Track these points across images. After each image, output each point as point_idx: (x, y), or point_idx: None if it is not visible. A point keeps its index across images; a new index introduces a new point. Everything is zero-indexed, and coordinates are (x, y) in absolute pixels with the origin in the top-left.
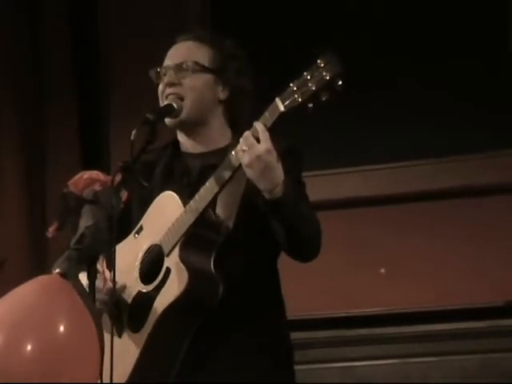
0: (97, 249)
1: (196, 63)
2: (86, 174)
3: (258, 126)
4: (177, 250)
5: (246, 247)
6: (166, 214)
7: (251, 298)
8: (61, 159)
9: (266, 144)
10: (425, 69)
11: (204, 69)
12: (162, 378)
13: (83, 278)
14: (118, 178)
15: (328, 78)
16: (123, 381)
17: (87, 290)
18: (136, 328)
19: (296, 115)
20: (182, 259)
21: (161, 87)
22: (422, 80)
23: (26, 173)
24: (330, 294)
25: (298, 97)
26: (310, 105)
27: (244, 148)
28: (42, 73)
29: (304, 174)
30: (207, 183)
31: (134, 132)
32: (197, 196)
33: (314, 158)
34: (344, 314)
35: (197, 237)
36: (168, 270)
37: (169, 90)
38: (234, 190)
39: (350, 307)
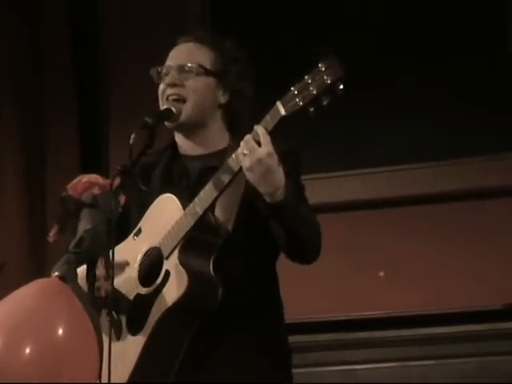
0: (95, 252)
1: (199, 65)
2: (85, 178)
3: (259, 129)
4: (176, 252)
5: (246, 250)
6: (166, 216)
7: (250, 300)
8: (60, 160)
9: (267, 148)
10: (425, 69)
11: (206, 72)
12: (162, 379)
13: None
14: (117, 181)
15: (329, 82)
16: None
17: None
18: (135, 330)
19: (295, 118)
20: (182, 262)
21: (162, 87)
22: (422, 80)
23: (25, 174)
24: (330, 298)
25: (299, 101)
26: (311, 109)
27: (245, 151)
28: (42, 73)
29: (303, 177)
30: (207, 186)
31: (132, 136)
32: (197, 199)
33: (314, 160)
34: (344, 318)
35: (196, 240)
36: (167, 273)
37: (170, 91)
38: (233, 193)
39: (349, 310)
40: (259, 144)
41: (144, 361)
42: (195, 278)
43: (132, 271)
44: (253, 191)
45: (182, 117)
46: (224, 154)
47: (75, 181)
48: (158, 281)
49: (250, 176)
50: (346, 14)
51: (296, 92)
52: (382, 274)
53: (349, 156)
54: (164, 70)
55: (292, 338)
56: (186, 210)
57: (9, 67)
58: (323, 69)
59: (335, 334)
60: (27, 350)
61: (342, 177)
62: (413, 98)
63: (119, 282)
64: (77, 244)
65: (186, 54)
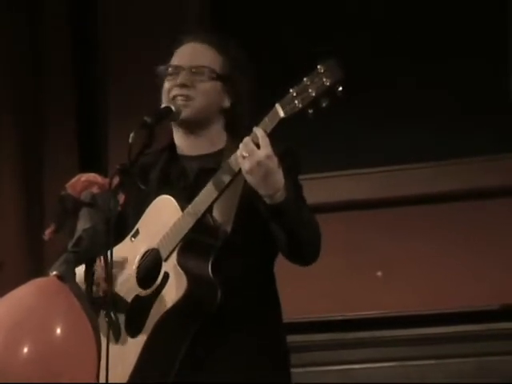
0: (94, 251)
1: (211, 70)
2: (84, 177)
3: (258, 131)
4: (175, 254)
5: (244, 251)
6: (163, 217)
7: (249, 301)
8: (59, 160)
9: (266, 150)
10: (425, 69)
11: (217, 77)
12: (162, 380)
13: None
14: (116, 180)
15: (328, 84)
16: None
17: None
18: (134, 332)
19: (293, 118)
20: (181, 264)
21: (168, 85)
22: (421, 80)
23: (23, 173)
24: (327, 297)
25: (299, 103)
26: (311, 111)
27: (244, 154)
28: (41, 73)
29: (301, 176)
30: (206, 188)
31: (131, 135)
32: (195, 200)
33: (312, 160)
34: (341, 317)
35: (195, 242)
36: (166, 275)
37: (180, 91)
38: (231, 195)
39: (346, 310)
40: (258, 146)
41: (143, 362)
42: (194, 280)
43: (130, 273)
44: (251, 193)
45: (188, 113)
46: (221, 154)
47: (74, 180)
48: (157, 283)
49: (249, 178)
50: (345, 14)
51: (295, 94)
52: (379, 273)
53: (347, 156)
54: (172, 69)
55: (289, 338)
56: (185, 211)
57: (9, 67)
58: (322, 71)
59: (332, 333)
60: (25, 350)
61: (341, 177)
62: (412, 98)
63: (117, 283)
64: (75, 243)
65: (197, 56)
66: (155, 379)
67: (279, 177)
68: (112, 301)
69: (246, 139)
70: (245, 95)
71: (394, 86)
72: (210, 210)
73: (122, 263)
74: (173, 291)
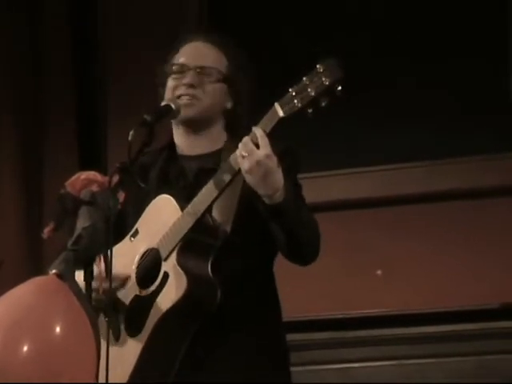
0: (93, 250)
1: (218, 71)
2: (84, 175)
3: (257, 131)
4: (175, 254)
5: (244, 251)
6: (163, 217)
7: (249, 301)
8: (59, 160)
9: (265, 149)
10: (425, 69)
11: (224, 79)
12: (162, 380)
13: (79, 276)
14: (116, 178)
15: (327, 83)
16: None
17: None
18: (133, 332)
19: (291, 117)
20: (180, 264)
21: (173, 83)
22: (421, 80)
23: (23, 173)
24: (327, 296)
25: (298, 102)
26: (310, 110)
27: (243, 154)
28: (41, 73)
29: (300, 175)
30: (205, 187)
31: (131, 133)
32: (195, 200)
33: (311, 159)
34: (340, 316)
35: (195, 241)
36: (166, 275)
37: (186, 91)
38: (231, 194)
39: (346, 309)
40: (257, 146)
41: (143, 362)
42: (194, 280)
43: (130, 272)
44: (251, 192)
45: (192, 113)
46: (220, 154)
47: (73, 178)
48: (157, 282)
49: (249, 178)
50: (345, 14)
51: (294, 93)
52: (379, 272)
53: (347, 155)
54: (178, 68)
55: (289, 337)
56: (184, 211)
57: (9, 67)
58: (322, 70)
59: (332, 332)
60: (25, 348)
61: (340, 175)
62: (412, 97)
63: (117, 283)
64: (75, 242)
65: (203, 56)
66: (155, 379)
67: (278, 176)
68: (112, 300)
69: (246, 139)
70: (245, 96)
71: (394, 85)
72: (209, 209)
73: (122, 263)
74: (172, 291)
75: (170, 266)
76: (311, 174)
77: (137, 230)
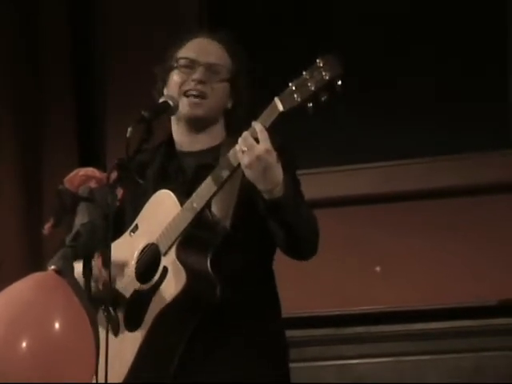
0: (92, 246)
1: (227, 70)
2: (82, 171)
3: (257, 126)
4: (174, 249)
5: (243, 246)
6: (163, 212)
7: (248, 297)
8: (58, 160)
9: (265, 144)
10: (425, 68)
11: (229, 78)
12: (161, 375)
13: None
14: (114, 175)
15: (327, 78)
16: (120, 379)
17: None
18: (132, 327)
19: (294, 113)
20: (180, 259)
21: (180, 78)
22: (421, 78)
23: (22, 171)
24: (326, 293)
25: (298, 97)
26: (310, 105)
27: (243, 149)
28: (41, 73)
29: (298, 172)
30: (205, 182)
31: (129, 129)
32: (194, 195)
33: (309, 156)
34: (339, 313)
35: (194, 237)
36: (165, 270)
37: (196, 87)
38: (229, 190)
39: (345, 305)
40: (257, 141)
41: (142, 357)
42: (193, 275)
43: (129, 268)
44: (250, 188)
45: (199, 113)
46: (219, 150)
47: (72, 174)
48: (156, 277)
49: (248, 173)
50: (345, 14)
51: (294, 88)
52: (378, 268)
53: (346, 151)
54: (186, 62)
55: (288, 333)
56: (184, 206)
57: (9, 67)
58: (322, 65)
59: (331, 328)
60: (24, 344)
61: (339, 172)
62: (411, 94)
63: (116, 278)
64: (73, 238)
65: (214, 54)
66: (154, 374)
67: (278, 171)
68: (111, 296)
69: (245, 134)
70: (245, 97)
71: (394, 82)
72: (208, 205)
73: (121, 258)
74: (172, 286)
75: (169, 261)
76: (311, 170)
77: (136, 225)
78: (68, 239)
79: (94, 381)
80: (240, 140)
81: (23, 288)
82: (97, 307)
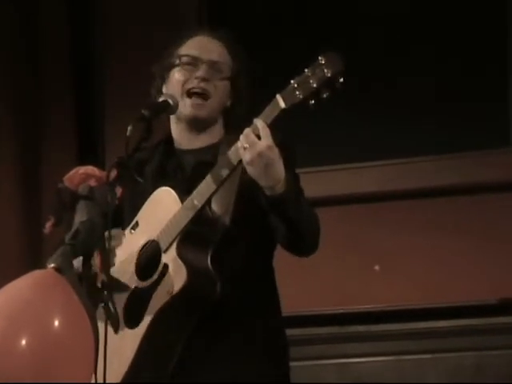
0: (91, 244)
1: (230, 68)
2: (82, 170)
3: (259, 122)
4: (174, 246)
5: (243, 243)
6: (163, 209)
7: (248, 294)
8: (58, 159)
9: (266, 140)
10: (425, 67)
11: (230, 77)
12: (160, 372)
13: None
14: (113, 173)
15: (329, 75)
16: (120, 376)
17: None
18: (133, 324)
19: (293, 109)
20: (180, 256)
21: (183, 76)
22: (423, 77)
23: (23, 173)
24: (326, 291)
25: (299, 94)
26: (312, 102)
27: (245, 145)
28: (41, 73)
29: (300, 170)
30: (205, 180)
31: (129, 128)
32: (194, 192)
33: (313, 154)
34: (340, 311)
35: (194, 233)
36: (166, 267)
37: (199, 84)
38: (229, 187)
39: (345, 304)
40: (259, 137)
41: (142, 354)
42: (193, 272)
43: (129, 265)
44: (250, 184)
45: (202, 114)
46: (217, 147)
47: (72, 172)
48: (156, 274)
49: (250, 170)
50: (345, 14)
51: (296, 85)
52: (377, 267)
53: (348, 150)
54: (189, 59)
55: (287, 332)
56: (184, 203)
57: (9, 67)
58: (323, 62)
59: (331, 327)
60: (23, 342)
61: (341, 170)
62: (414, 92)
63: (116, 275)
64: (72, 236)
65: (215, 52)
66: (153, 371)
67: (280, 168)
68: (110, 293)
69: (247, 130)
70: (244, 96)
71: (394, 82)
72: (209, 202)
73: (121, 255)
74: (172, 283)
75: (169, 257)
76: (313, 169)
77: (137, 222)
78: (67, 237)
79: (94, 378)
80: (242, 137)
81: (22, 286)
82: (96, 305)
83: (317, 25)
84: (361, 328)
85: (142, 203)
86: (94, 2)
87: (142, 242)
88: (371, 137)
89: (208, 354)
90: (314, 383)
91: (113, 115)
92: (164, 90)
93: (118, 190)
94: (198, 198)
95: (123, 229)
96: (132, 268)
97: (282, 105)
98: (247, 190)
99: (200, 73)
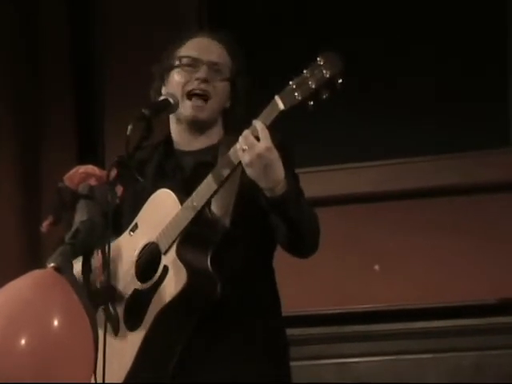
0: (91, 244)
1: (230, 70)
2: (82, 169)
3: (258, 124)
4: (174, 247)
5: (243, 244)
6: (162, 211)
7: (248, 294)
8: (57, 158)
9: (265, 142)
10: (425, 67)
11: (230, 78)
12: (160, 372)
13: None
14: (114, 173)
15: (328, 76)
16: (119, 378)
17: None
18: (133, 326)
19: (292, 110)
20: (180, 257)
21: (184, 78)
22: (423, 77)
23: (23, 173)
24: (326, 291)
25: (298, 95)
26: (311, 103)
27: (244, 147)
28: (41, 73)
29: (300, 170)
30: (205, 181)
31: (129, 127)
32: (194, 194)
33: (312, 153)
34: (339, 311)
35: (194, 235)
36: (165, 268)
37: (200, 86)
38: (229, 188)
39: (344, 304)
40: (258, 139)
41: (142, 356)
42: (194, 273)
43: (129, 266)
44: (250, 185)
45: (203, 116)
46: (216, 148)
47: (72, 171)
48: (156, 276)
49: (250, 171)
50: (345, 14)
51: (295, 86)
52: (376, 267)
53: (347, 149)
54: (189, 61)
55: (288, 331)
56: (184, 204)
57: (9, 67)
58: (322, 63)
59: (331, 327)
60: (22, 342)
61: (340, 170)
62: (413, 92)
63: (116, 277)
64: (72, 235)
65: (215, 53)
66: (154, 373)
67: (280, 169)
68: (110, 294)
69: (246, 132)
70: (244, 97)
71: (394, 82)
72: (209, 203)
73: (121, 257)
74: (172, 284)
75: (169, 259)
76: (312, 169)
77: (136, 224)
78: (67, 236)
79: (93, 379)
80: (240, 138)
81: (22, 285)
82: (96, 305)
83: (317, 25)
84: (360, 328)
85: (142, 203)
86: (93, 1)
87: (141, 243)
88: (371, 137)
89: (208, 354)
90: (313, 383)
91: (113, 115)
92: (163, 91)
93: (119, 190)
94: (197, 199)
95: (123, 228)
96: (132, 270)
97: (281, 106)
98: (247, 191)
99: (200, 74)
